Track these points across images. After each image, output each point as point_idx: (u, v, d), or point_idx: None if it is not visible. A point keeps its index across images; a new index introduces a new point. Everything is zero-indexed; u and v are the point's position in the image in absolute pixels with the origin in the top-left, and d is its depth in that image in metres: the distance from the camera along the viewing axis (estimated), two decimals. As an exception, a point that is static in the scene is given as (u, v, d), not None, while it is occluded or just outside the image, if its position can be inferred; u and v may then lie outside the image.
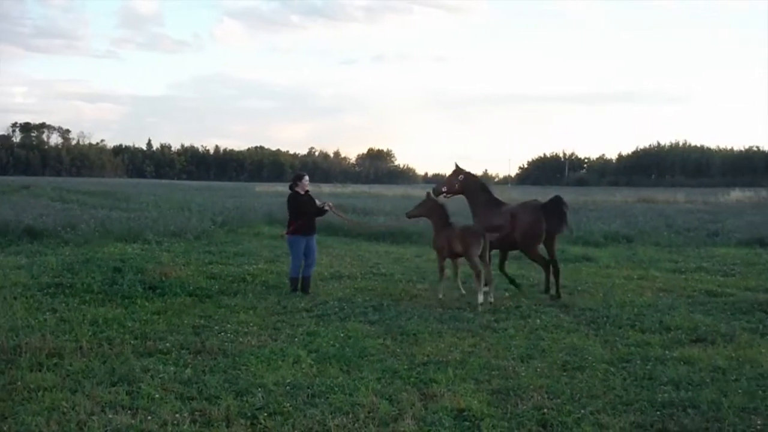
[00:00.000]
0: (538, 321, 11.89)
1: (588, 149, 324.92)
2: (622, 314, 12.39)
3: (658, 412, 7.56)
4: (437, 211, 14.39)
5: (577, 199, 52.86)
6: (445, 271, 14.29)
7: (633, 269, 18.42)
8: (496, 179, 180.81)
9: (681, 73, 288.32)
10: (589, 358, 9.63)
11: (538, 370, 9.06)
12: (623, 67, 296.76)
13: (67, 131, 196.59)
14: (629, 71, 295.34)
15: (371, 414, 7.32)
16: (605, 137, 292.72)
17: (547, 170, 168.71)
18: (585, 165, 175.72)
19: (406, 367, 9.06)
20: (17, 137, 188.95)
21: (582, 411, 7.55)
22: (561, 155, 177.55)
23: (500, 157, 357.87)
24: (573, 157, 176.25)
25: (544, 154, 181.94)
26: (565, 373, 8.96)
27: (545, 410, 7.53)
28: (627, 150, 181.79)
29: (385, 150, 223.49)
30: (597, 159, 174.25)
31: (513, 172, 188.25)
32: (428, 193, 14.96)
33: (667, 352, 9.95)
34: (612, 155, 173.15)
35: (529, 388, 8.25)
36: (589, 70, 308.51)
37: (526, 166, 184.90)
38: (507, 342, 10.48)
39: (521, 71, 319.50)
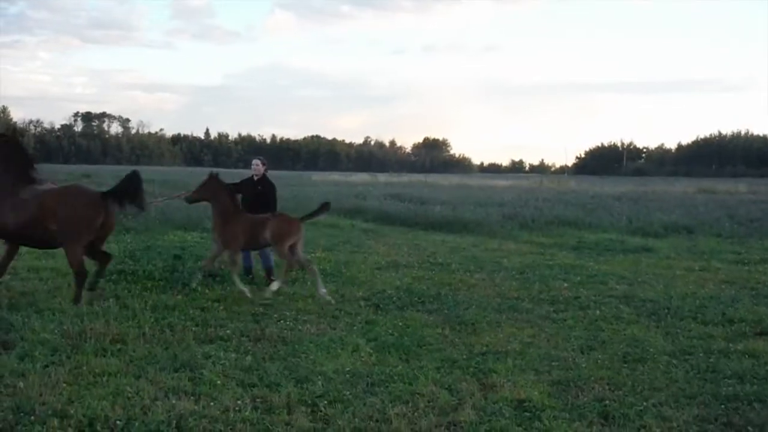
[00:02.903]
0: (598, 312, 11.79)
1: (647, 139, 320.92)
2: (684, 306, 12.25)
3: (722, 406, 7.46)
4: (222, 195, 12.94)
5: (636, 189, 52.39)
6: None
7: (694, 260, 18.20)
8: (552, 169, 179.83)
9: (742, 60, 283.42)
10: (651, 350, 9.54)
11: (599, 361, 8.99)
12: (683, 55, 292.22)
13: (127, 120, 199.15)
14: (689, 59, 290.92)
15: (431, 403, 7.32)
16: (664, 126, 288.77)
17: (604, 160, 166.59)
18: (643, 155, 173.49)
19: (464, 356, 9.05)
20: (79, 127, 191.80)
21: (644, 403, 7.48)
22: (619, 145, 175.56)
23: (556, 146, 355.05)
24: (631, 147, 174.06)
25: (602, 144, 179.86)
26: (626, 365, 8.88)
27: (607, 402, 7.48)
28: (687, 139, 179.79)
29: (440, 139, 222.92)
30: (656, 149, 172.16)
31: (570, 161, 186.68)
32: (210, 174, 13.28)
33: (730, 344, 9.81)
34: (671, 145, 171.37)
35: (589, 380, 8.20)
36: (647, 58, 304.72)
37: (583, 156, 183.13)
38: (566, 333, 10.42)
39: (577, 59, 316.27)
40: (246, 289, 12.33)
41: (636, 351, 9.48)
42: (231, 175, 16.41)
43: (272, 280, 13.29)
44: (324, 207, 13.48)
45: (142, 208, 11.99)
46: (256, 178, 14.21)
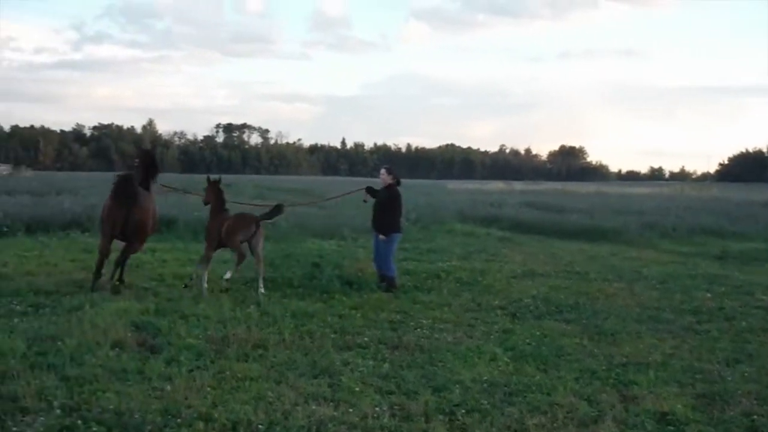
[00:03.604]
0: (744, 324, 11.43)
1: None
2: (836, 318, 11.75)
3: None
4: (214, 198, 13.90)
5: (783, 196, 50.47)
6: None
7: None
8: (694, 176, 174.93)
9: None
10: (802, 363, 9.18)
11: (746, 374, 8.71)
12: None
13: (266, 131, 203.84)
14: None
15: (570, 414, 7.23)
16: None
17: (749, 166, 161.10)
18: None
19: (604, 367, 8.90)
20: (220, 137, 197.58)
21: (795, 419, 7.21)
22: (765, 150, 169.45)
23: (698, 153, 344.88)
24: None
25: (746, 150, 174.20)
26: (775, 379, 8.58)
27: (755, 417, 7.24)
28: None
29: (577, 146, 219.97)
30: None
31: (712, 168, 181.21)
32: (208, 178, 14.31)
33: None
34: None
35: (736, 394, 7.95)
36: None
37: (726, 162, 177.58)
38: (711, 345, 10.13)
39: (718, 62, 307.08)
40: (205, 289, 12.62)
41: (786, 364, 9.14)
42: (369, 183, 16.58)
43: (390, 289, 13.48)
44: (277, 209, 14.31)
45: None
46: (383, 186, 14.37)
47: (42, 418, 6.67)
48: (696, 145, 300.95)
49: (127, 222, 13.02)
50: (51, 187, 39.55)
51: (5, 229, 20.08)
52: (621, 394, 7.89)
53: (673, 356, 9.50)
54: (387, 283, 13.71)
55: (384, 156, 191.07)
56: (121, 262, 13.49)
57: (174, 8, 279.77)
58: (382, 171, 14.69)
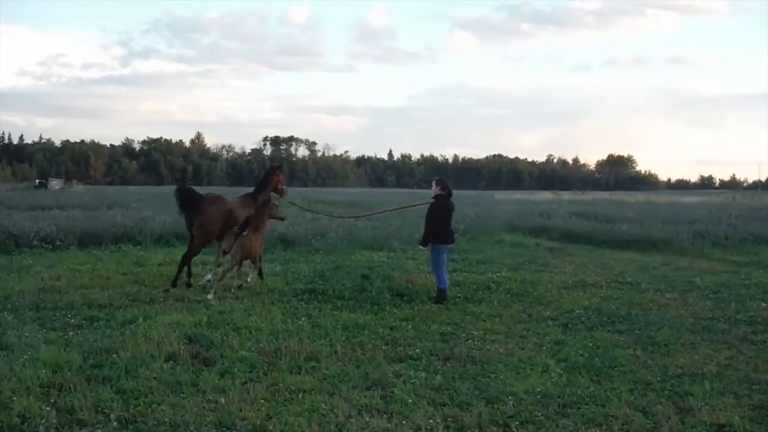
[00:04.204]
0: (801, 333, 11.25)
1: None
2: None
3: None
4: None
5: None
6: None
7: None
8: (745, 184, 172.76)
9: None
10: None
11: (804, 385, 8.57)
12: None
13: (313, 143, 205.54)
14: None
15: (625, 426, 7.17)
16: None
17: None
18: None
19: (659, 378, 8.80)
20: (268, 150, 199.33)
21: None
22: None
23: (749, 160, 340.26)
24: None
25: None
26: (834, 390, 8.43)
27: (814, 428, 7.12)
28: None
29: (625, 155, 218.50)
30: None
31: (764, 176, 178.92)
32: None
33: None
34: None
35: (794, 405, 7.83)
36: None
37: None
38: (767, 355, 9.97)
39: (766, 69, 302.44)
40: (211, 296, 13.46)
41: None
42: (413, 195, 16.67)
43: (441, 301, 13.47)
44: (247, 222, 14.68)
45: None
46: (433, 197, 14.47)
47: (99, 431, 6.76)
48: (746, 153, 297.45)
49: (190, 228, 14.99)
50: (102, 201, 40.20)
51: (58, 243, 20.45)
52: (676, 406, 7.80)
53: (729, 367, 9.37)
54: (437, 294, 13.66)
55: (431, 167, 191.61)
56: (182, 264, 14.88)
57: (219, 22, 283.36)
58: (433, 183, 14.68)
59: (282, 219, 15.90)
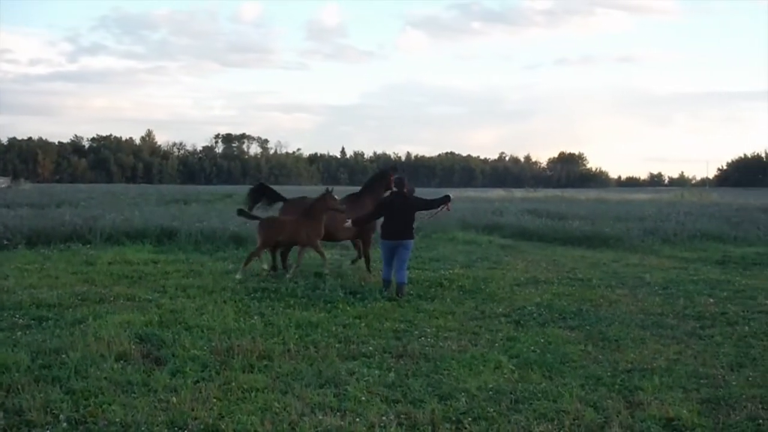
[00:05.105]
0: (747, 328, 11.43)
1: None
2: (840, 322, 11.75)
3: None
4: None
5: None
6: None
7: None
8: (693, 182, 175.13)
9: None
10: (806, 367, 9.19)
11: (750, 379, 8.71)
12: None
13: (266, 141, 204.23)
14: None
15: (576, 421, 7.23)
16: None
17: (748, 171, 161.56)
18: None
19: (609, 374, 8.90)
20: (219, 148, 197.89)
21: (801, 423, 7.21)
22: (763, 155, 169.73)
23: (697, 158, 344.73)
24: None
25: (745, 155, 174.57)
26: (779, 383, 8.58)
27: (760, 421, 7.25)
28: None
29: (576, 153, 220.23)
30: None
31: (711, 173, 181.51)
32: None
33: None
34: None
35: (741, 398, 7.95)
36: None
37: (725, 167, 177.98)
38: (714, 350, 10.13)
39: (715, 68, 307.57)
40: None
41: (790, 369, 9.14)
42: (428, 193, 16.62)
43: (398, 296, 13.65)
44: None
45: None
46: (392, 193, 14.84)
47: (48, 432, 6.69)
48: (695, 151, 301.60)
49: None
50: (50, 200, 39.66)
51: (6, 242, 20.11)
52: (626, 400, 7.89)
53: (678, 362, 9.50)
54: (398, 289, 13.87)
55: (384, 165, 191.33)
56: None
57: (169, 19, 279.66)
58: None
59: (341, 211, 16.02)
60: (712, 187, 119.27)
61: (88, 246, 20.41)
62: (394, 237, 14.22)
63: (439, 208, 15.09)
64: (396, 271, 14.09)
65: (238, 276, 15.13)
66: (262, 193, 17.78)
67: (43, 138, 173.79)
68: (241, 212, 16.72)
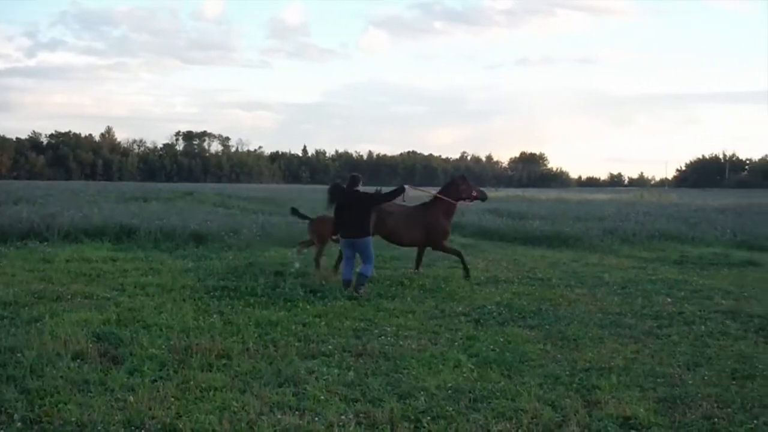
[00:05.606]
0: (703, 327, 11.53)
1: (750, 150, 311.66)
2: (794, 322, 11.92)
3: (837, 425, 7.22)
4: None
5: (740, 201, 51.15)
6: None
7: (804, 274, 17.66)
8: (652, 182, 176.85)
9: None
10: (760, 366, 9.29)
11: (706, 378, 8.79)
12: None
13: (227, 139, 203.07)
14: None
15: (534, 420, 7.26)
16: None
17: (706, 172, 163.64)
18: (747, 166, 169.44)
19: (567, 372, 8.95)
20: (180, 146, 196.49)
21: (754, 421, 7.29)
22: (721, 156, 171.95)
23: (657, 159, 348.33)
24: (734, 159, 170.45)
25: (703, 156, 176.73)
26: (734, 382, 8.67)
27: (715, 420, 7.31)
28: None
29: (537, 153, 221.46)
30: (759, 160, 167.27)
31: (670, 174, 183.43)
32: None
33: None
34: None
35: (697, 397, 8.03)
36: (748, 66, 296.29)
37: (683, 168, 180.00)
38: (671, 349, 10.21)
39: (675, 70, 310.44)
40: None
41: (744, 367, 9.25)
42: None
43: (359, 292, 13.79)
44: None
45: None
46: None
47: None
48: (654, 152, 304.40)
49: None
50: (7, 196, 39.09)
51: (-39, 240, 19.84)
52: (584, 399, 7.94)
53: (635, 361, 9.57)
54: (357, 280, 14.05)
55: (346, 163, 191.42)
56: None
57: (130, 15, 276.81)
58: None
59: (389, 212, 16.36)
60: (670, 188, 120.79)
61: (46, 243, 20.20)
62: (350, 235, 14.32)
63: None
64: (363, 268, 14.31)
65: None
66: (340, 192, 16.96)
67: (1, 134, 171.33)
68: (294, 211, 17.30)
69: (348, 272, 14.39)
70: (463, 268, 16.35)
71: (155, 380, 8.17)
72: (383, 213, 16.12)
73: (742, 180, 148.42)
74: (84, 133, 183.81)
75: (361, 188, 14.80)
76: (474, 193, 17.21)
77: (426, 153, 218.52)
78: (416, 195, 16.72)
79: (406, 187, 15.36)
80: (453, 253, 16.90)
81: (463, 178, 17.36)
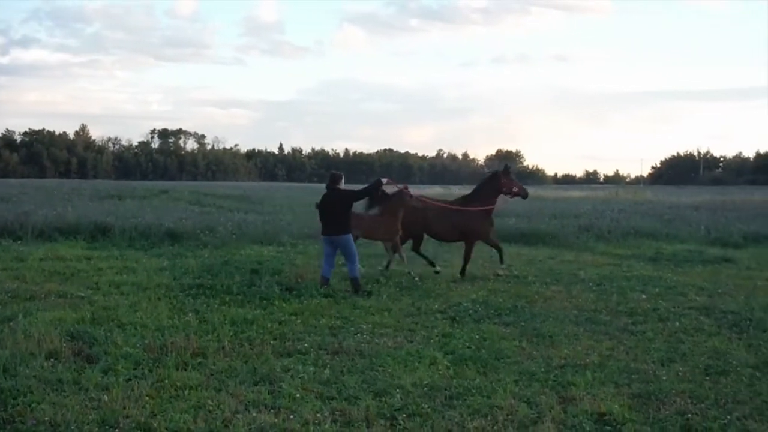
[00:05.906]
0: (678, 324, 11.62)
1: (724, 147, 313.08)
2: (766, 317, 12.01)
3: (809, 420, 7.29)
4: None
5: (714, 198, 51.45)
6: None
7: (776, 271, 17.80)
8: (627, 179, 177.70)
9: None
10: (733, 362, 9.39)
11: (680, 374, 8.86)
12: (761, 61, 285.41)
13: (203, 136, 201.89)
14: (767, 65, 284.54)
15: (510, 416, 7.29)
16: (742, 135, 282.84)
17: (680, 170, 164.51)
18: (721, 164, 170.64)
19: (543, 369, 8.99)
20: (155, 143, 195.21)
21: (728, 417, 7.36)
22: (695, 154, 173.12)
23: (632, 156, 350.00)
24: (708, 156, 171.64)
25: (678, 153, 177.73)
26: (708, 378, 8.74)
27: (689, 415, 7.36)
28: (766, 148, 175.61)
29: (513, 151, 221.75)
30: (734, 157, 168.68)
31: (645, 172, 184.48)
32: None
33: (816, 356, 9.57)
34: (749, 153, 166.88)
35: (671, 393, 8.08)
36: (723, 64, 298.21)
37: (658, 165, 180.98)
38: (646, 345, 10.29)
39: (650, 68, 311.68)
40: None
41: (718, 363, 9.32)
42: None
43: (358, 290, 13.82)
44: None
45: None
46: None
47: (-25, 432, 6.55)
48: (629, 149, 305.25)
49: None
50: (-20, 195, 38.72)
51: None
52: (559, 396, 7.98)
53: (610, 357, 9.63)
54: (353, 286, 14.08)
55: (322, 161, 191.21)
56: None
57: (103, 12, 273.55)
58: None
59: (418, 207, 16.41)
60: (646, 185, 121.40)
61: (19, 242, 20.07)
62: (330, 232, 14.29)
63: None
64: (348, 268, 14.34)
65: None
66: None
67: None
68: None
69: (327, 270, 14.36)
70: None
71: (130, 379, 8.14)
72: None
73: (717, 177, 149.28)
74: (58, 130, 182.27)
75: (342, 186, 14.71)
76: (515, 189, 17.17)
77: (402, 150, 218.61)
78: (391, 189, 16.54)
79: (383, 180, 15.27)
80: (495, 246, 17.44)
81: (507, 171, 17.34)
